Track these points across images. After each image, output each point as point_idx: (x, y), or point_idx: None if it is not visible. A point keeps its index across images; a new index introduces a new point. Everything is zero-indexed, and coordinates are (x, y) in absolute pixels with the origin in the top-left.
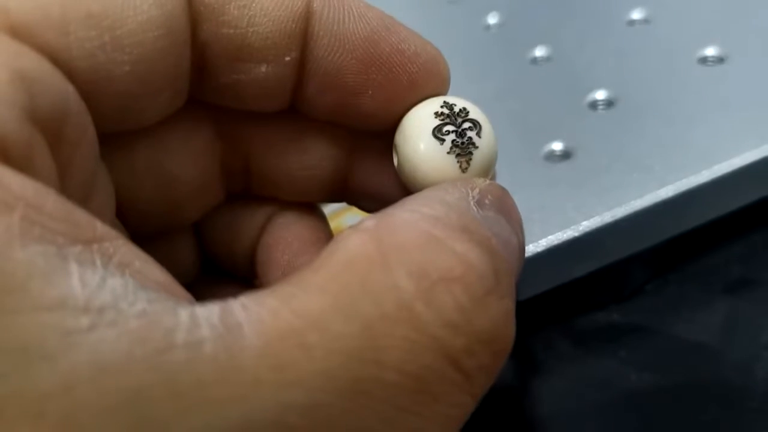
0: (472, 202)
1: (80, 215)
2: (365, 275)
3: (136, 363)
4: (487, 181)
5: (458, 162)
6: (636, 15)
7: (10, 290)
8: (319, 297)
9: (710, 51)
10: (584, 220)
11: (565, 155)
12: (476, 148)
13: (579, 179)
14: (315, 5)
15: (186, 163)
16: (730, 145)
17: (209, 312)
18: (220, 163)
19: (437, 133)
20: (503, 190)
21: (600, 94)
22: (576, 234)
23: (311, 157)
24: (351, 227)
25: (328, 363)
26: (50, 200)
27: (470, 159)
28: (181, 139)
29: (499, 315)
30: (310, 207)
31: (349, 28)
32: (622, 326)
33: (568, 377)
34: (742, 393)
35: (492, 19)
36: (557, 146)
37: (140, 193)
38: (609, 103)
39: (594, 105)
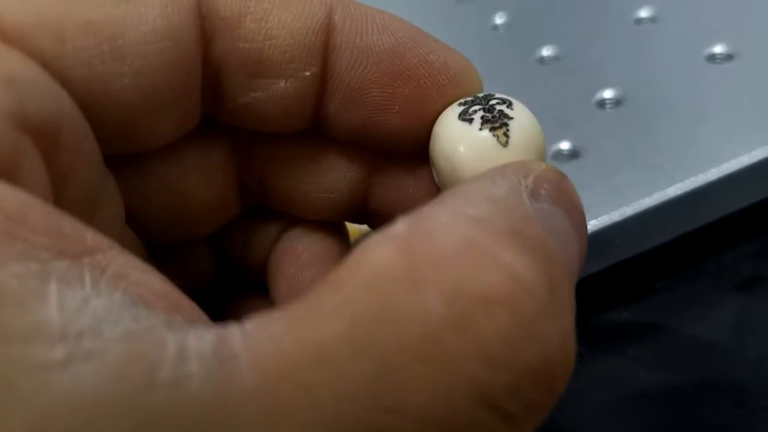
0: (524, 193)
1: (69, 226)
2: (388, 297)
3: (112, 405)
4: (543, 165)
5: (494, 135)
6: (643, 13)
7: None
8: (331, 323)
9: (719, 48)
10: (593, 219)
11: (574, 154)
12: (511, 119)
13: (587, 178)
14: (336, 17)
15: (200, 182)
16: (739, 143)
17: (202, 340)
18: (236, 180)
19: (463, 116)
20: (561, 176)
21: (608, 93)
22: None
23: (328, 180)
24: (380, 232)
25: (333, 410)
26: (35, 212)
27: (507, 130)
28: (195, 159)
29: (554, 341)
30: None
31: (373, 40)
32: (633, 325)
33: (578, 376)
34: (753, 391)
35: (499, 19)
36: (565, 145)
37: (153, 208)
38: (617, 102)
39: (602, 104)
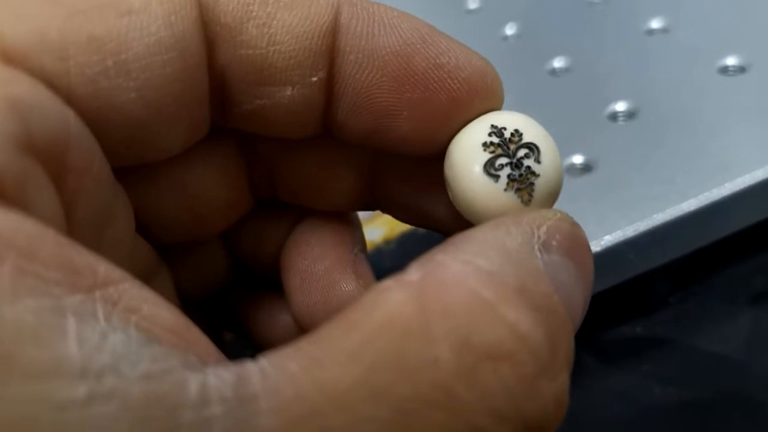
0: (536, 246)
1: (81, 258)
2: (402, 344)
3: None
4: (558, 215)
5: (519, 197)
6: (655, 24)
7: None
8: (347, 367)
9: (731, 60)
10: (606, 234)
11: (586, 168)
12: (537, 176)
13: (600, 193)
14: (342, 18)
15: (210, 182)
16: (752, 157)
17: (222, 381)
18: (246, 175)
19: (489, 170)
20: (574, 225)
21: (620, 106)
22: (598, 249)
23: (339, 169)
24: (394, 277)
25: None
26: (46, 244)
27: (532, 190)
28: (205, 160)
29: (549, 399)
30: (338, 211)
31: (380, 42)
32: (646, 339)
33: (591, 391)
34: (767, 406)
35: (510, 30)
36: (578, 159)
37: (163, 212)
38: (629, 115)
39: (614, 116)
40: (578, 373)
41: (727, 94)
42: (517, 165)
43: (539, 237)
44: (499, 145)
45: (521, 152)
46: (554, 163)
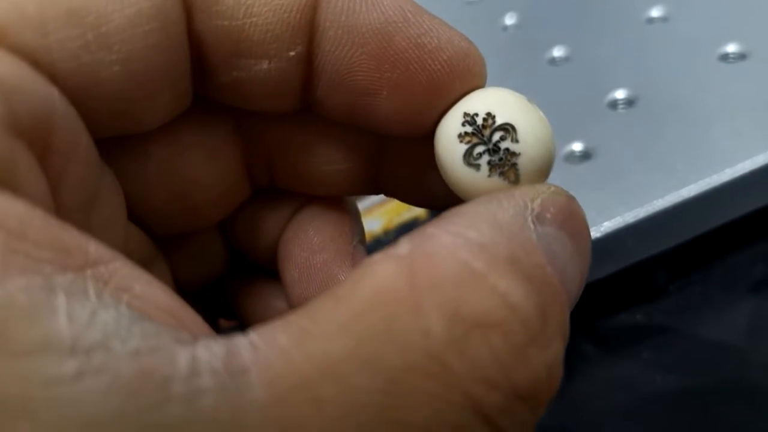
0: (529, 218)
1: (71, 238)
2: (392, 316)
3: (127, 420)
4: (551, 188)
5: (504, 179)
6: (655, 13)
7: None
8: (337, 339)
9: (731, 48)
10: (606, 221)
11: (586, 156)
12: (518, 155)
13: (600, 180)
14: None
15: (202, 166)
16: (752, 143)
17: (212, 354)
18: (242, 162)
19: (469, 160)
20: (569, 198)
21: (620, 94)
22: (597, 235)
23: (339, 151)
24: (384, 251)
25: (343, 422)
26: (36, 223)
27: (516, 170)
28: (195, 142)
29: (540, 368)
30: (337, 200)
31: (361, 19)
32: (646, 327)
33: (592, 379)
34: (767, 393)
35: (509, 20)
36: (577, 147)
37: (156, 197)
38: (629, 103)
39: (614, 104)
40: (578, 361)
41: (728, 81)
42: (494, 150)
43: (533, 209)
44: (473, 133)
45: (496, 136)
46: (536, 137)
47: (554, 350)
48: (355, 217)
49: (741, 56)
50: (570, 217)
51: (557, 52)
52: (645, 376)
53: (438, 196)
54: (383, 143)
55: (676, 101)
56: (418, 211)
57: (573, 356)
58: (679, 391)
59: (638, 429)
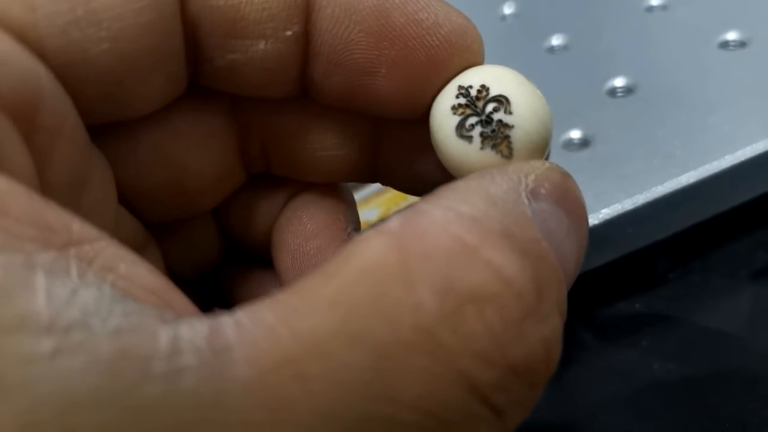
0: (523, 193)
1: (54, 215)
2: (381, 291)
3: (106, 399)
4: (546, 165)
5: (497, 152)
6: (654, 1)
7: None
8: (324, 315)
9: (731, 35)
10: (605, 207)
11: (585, 143)
12: (511, 127)
13: (598, 167)
14: None
15: (195, 151)
16: (752, 130)
17: (195, 332)
18: (236, 147)
19: (462, 132)
20: (564, 175)
21: (619, 81)
22: (596, 222)
23: (335, 136)
24: (374, 227)
25: (330, 400)
26: (18, 200)
27: (509, 143)
28: (187, 126)
29: (537, 342)
30: (332, 188)
31: None
32: (645, 316)
33: (590, 367)
34: (767, 381)
35: (508, 9)
36: (576, 134)
37: (148, 183)
38: (628, 90)
39: (613, 92)
40: (577, 349)
41: (727, 69)
42: (487, 121)
43: (527, 185)
44: (466, 105)
45: (489, 107)
46: (532, 110)
47: (551, 325)
48: (350, 205)
49: (741, 44)
50: (566, 194)
51: (556, 40)
52: (644, 364)
53: (434, 184)
54: (379, 129)
55: (676, 89)
56: (416, 201)
57: (571, 345)
58: (679, 380)
59: (636, 417)
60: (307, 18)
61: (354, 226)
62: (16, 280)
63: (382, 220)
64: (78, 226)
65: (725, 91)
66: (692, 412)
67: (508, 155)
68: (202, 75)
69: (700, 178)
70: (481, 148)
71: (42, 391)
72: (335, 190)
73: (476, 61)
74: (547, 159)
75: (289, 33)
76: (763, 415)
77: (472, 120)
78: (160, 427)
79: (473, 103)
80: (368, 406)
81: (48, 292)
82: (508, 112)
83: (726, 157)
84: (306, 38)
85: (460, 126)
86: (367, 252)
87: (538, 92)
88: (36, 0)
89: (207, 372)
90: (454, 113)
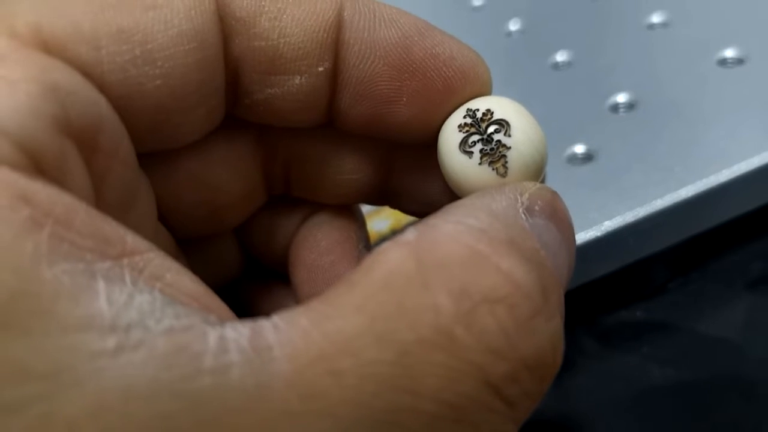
0: (520, 209)
1: (110, 229)
2: (402, 295)
3: (162, 389)
4: (537, 185)
5: (494, 169)
6: (655, 18)
7: (37, 312)
8: (352, 319)
9: (729, 53)
10: (606, 220)
11: (587, 158)
12: (508, 148)
13: (601, 181)
14: (345, 13)
15: (227, 174)
16: (749, 145)
17: (239, 333)
18: (261, 170)
19: (464, 147)
20: (554, 194)
21: (621, 98)
22: (599, 234)
23: (352, 161)
24: (391, 240)
25: (359, 391)
26: (80, 215)
27: (505, 162)
28: (221, 153)
29: (545, 338)
30: (345, 208)
31: (380, 35)
32: (646, 324)
33: (592, 374)
34: (764, 388)
35: (513, 26)
36: (579, 149)
37: (182, 202)
38: (630, 106)
39: (615, 108)
40: (579, 355)
41: (725, 85)
42: (487, 140)
43: (522, 203)
44: (471, 124)
45: (491, 128)
46: (528, 137)
47: (556, 324)
48: (361, 224)
49: (738, 61)
50: (556, 211)
51: (560, 56)
52: (644, 370)
53: (440, 206)
54: (392, 154)
55: (676, 105)
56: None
57: (574, 351)
58: (677, 385)
59: (636, 421)
60: (336, 54)
61: (365, 243)
62: (81, 286)
63: (394, 230)
64: (130, 239)
65: (723, 107)
66: (690, 416)
67: (504, 174)
68: (239, 107)
69: (698, 191)
70: (480, 164)
71: (107, 382)
72: (348, 210)
73: (485, 90)
74: (542, 182)
75: (321, 69)
76: (757, 420)
77: (475, 138)
78: (211, 415)
79: (478, 123)
80: (393, 397)
81: (108, 296)
82: (508, 134)
83: (723, 171)
84: (335, 73)
85: (464, 142)
86: (388, 262)
87: (537, 123)
88: (101, 42)
89: (251, 368)
90: (460, 131)
